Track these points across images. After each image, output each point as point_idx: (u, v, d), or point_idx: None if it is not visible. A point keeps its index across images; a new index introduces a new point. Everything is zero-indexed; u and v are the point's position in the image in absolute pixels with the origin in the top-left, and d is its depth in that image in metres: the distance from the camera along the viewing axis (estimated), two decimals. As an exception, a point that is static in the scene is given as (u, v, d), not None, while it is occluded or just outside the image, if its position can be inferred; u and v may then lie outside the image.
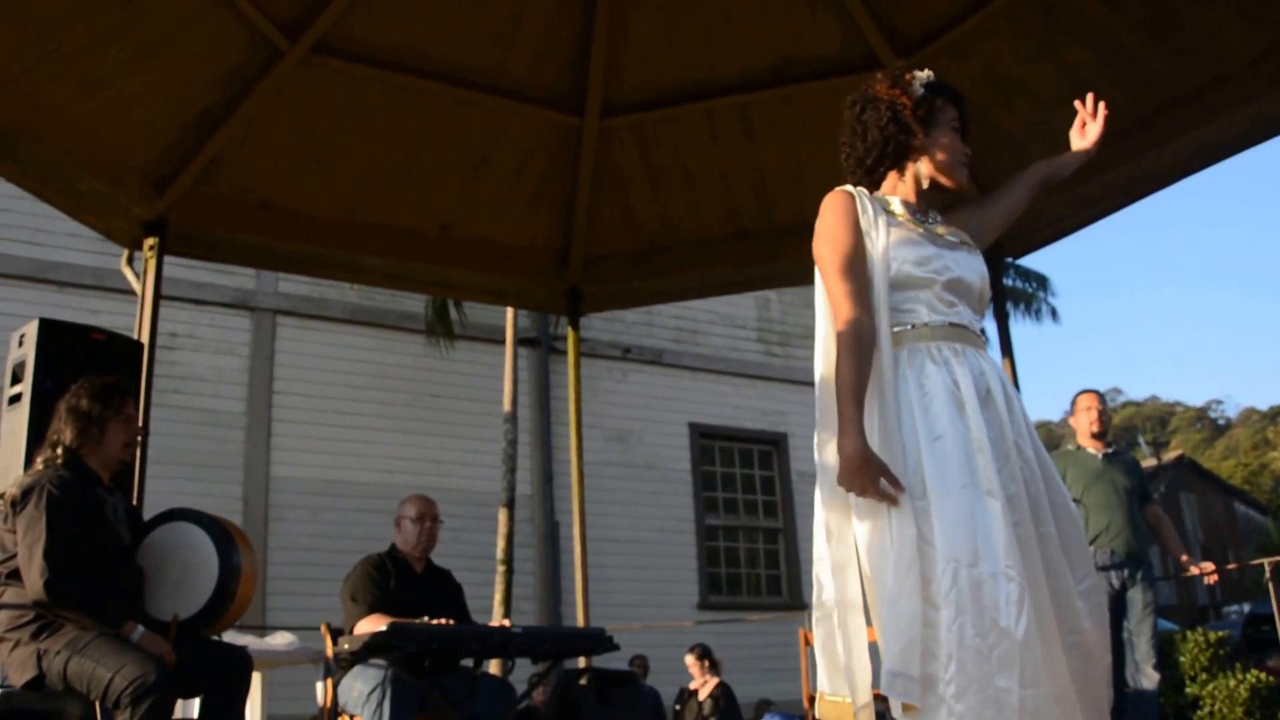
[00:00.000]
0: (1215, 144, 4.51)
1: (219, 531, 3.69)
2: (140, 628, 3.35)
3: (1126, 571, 5.37)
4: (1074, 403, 5.82)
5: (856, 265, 2.35)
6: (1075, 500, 5.39)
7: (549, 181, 5.95)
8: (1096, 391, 5.83)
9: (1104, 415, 5.73)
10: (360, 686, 4.04)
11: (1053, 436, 52.80)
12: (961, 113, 2.54)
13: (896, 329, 2.34)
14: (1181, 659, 8.36)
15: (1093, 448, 5.66)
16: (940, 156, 2.49)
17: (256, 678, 4.17)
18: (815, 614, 2.29)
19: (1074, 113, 2.75)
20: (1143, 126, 4.65)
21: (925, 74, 2.52)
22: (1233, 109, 4.30)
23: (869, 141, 2.52)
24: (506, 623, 4.42)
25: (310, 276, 9.10)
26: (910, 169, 2.52)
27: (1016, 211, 2.74)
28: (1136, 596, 5.35)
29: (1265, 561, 6.87)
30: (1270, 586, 6.64)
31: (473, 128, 5.60)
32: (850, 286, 2.32)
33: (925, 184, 2.52)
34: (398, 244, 5.74)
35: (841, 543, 2.26)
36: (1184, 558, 5.55)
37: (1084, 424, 5.71)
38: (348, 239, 5.61)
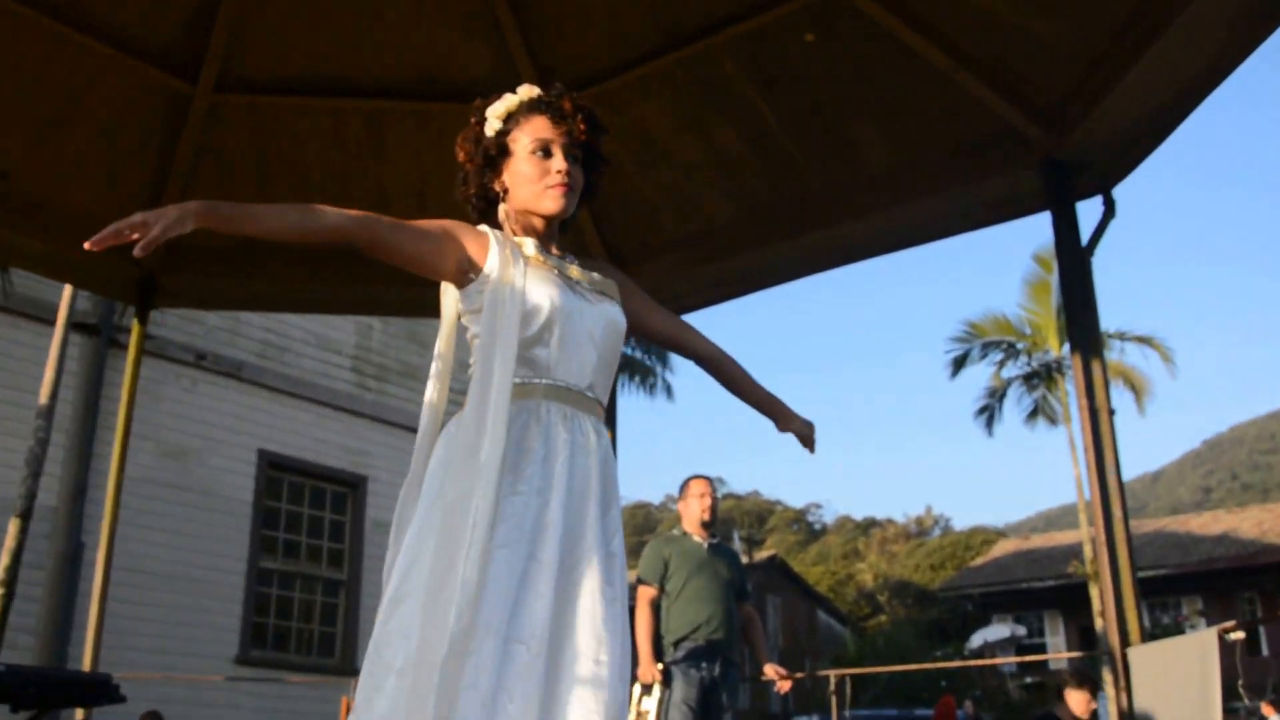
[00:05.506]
0: (842, 246, 4.66)
1: None
2: None
3: (719, 669, 5.23)
4: (685, 487, 5.61)
5: (412, 227, 2.15)
6: (679, 587, 5.30)
7: (143, 148, 5.20)
8: (708, 478, 5.65)
9: (715, 504, 5.58)
10: None
11: (650, 519, 53.82)
12: (555, 116, 2.24)
13: (516, 380, 2.16)
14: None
15: (699, 536, 5.49)
16: (522, 189, 2.24)
17: None
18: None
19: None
20: (775, 216, 4.73)
21: (506, 102, 2.26)
22: (862, 215, 4.45)
23: (470, 189, 2.31)
24: None
25: None
26: (508, 212, 2.28)
27: (666, 346, 2.63)
28: (722, 699, 5.24)
29: (831, 673, 7.25)
30: (833, 699, 6.96)
31: (60, 68, 4.76)
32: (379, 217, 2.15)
33: (535, 223, 2.27)
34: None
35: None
36: (767, 666, 5.50)
37: (695, 511, 5.49)
38: None
